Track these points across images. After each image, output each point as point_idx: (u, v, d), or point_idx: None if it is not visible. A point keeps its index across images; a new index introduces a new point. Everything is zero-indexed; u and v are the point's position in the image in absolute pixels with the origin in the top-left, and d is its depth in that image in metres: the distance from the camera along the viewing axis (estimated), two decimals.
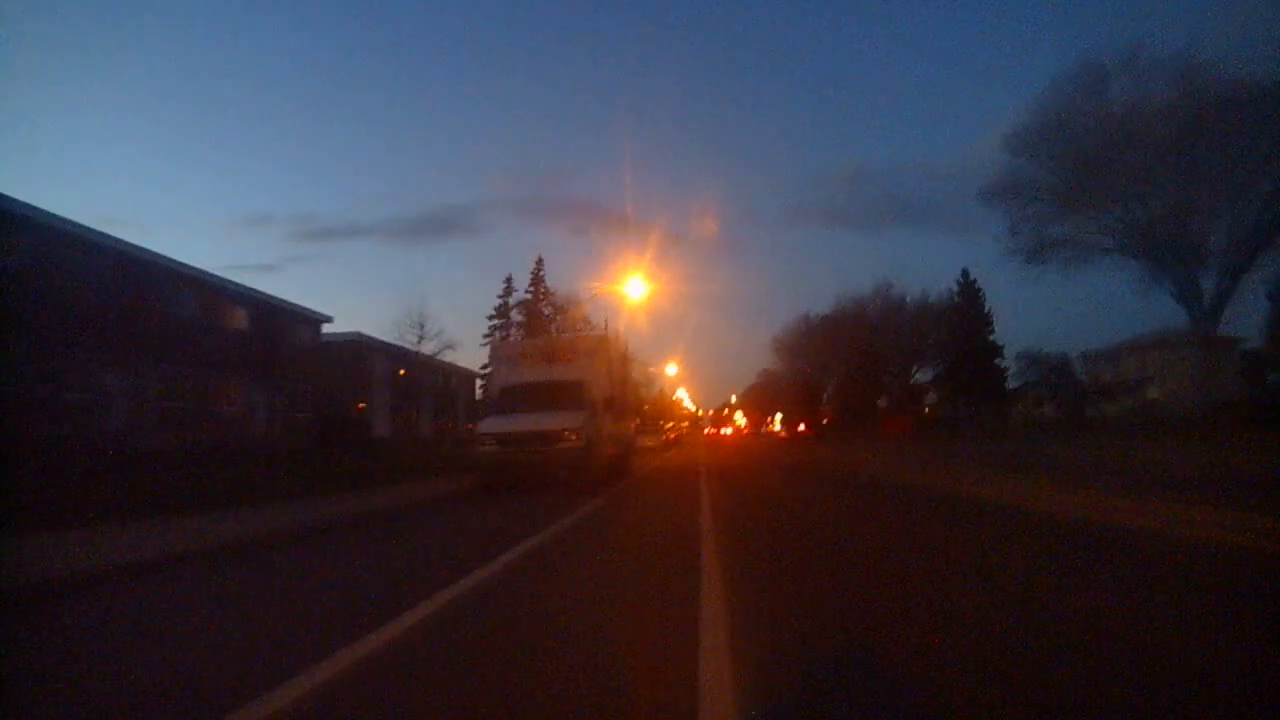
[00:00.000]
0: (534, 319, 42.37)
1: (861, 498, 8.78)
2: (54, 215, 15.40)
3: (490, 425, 10.54)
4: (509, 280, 42.17)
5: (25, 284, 14.62)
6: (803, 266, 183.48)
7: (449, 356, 33.70)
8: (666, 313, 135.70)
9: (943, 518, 6.58)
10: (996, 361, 53.23)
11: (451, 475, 13.17)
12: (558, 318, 41.13)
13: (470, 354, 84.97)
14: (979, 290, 54.12)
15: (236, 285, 21.63)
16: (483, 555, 4.87)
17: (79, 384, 16.00)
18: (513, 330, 41.23)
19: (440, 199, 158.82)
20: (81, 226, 16.05)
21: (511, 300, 42.78)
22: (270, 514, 7.80)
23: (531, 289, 43.25)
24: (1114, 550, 4.58)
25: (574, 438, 9.93)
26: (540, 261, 42.74)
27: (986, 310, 54.09)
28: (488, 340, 41.21)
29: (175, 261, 19.00)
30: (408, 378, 35.50)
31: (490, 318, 41.96)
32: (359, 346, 32.23)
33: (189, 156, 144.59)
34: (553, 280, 44.02)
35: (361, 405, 32.86)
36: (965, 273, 54.46)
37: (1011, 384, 53.49)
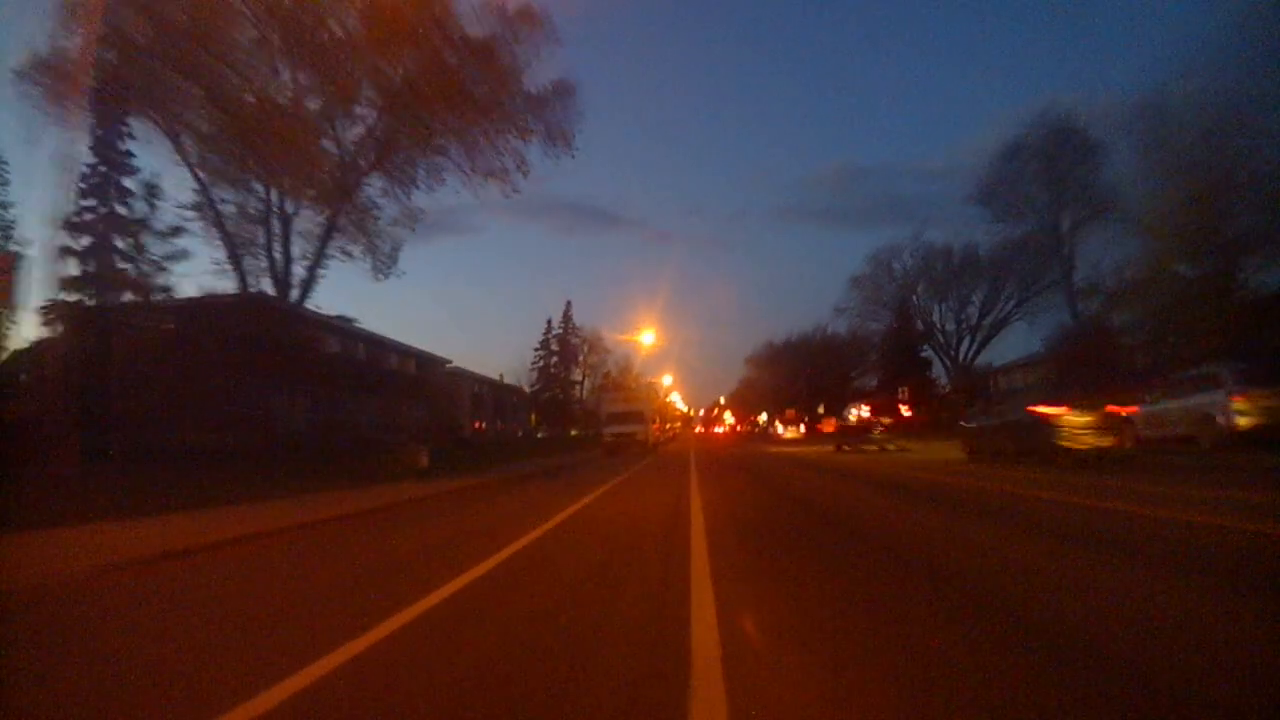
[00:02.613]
0: (566, 349, 56.99)
1: (749, 458, 23.03)
2: (363, 328, 29.61)
3: (607, 430, 25.10)
4: (550, 321, 56.67)
5: (337, 361, 28.89)
6: (794, 264, 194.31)
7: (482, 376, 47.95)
8: (659, 310, 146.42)
9: (779, 462, 20.84)
10: (927, 373, 68.09)
11: (575, 453, 27.44)
12: (585, 349, 55.84)
13: (476, 360, 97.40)
14: (910, 313, 68.97)
15: (412, 346, 35.94)
16: (617, 472, 18.77)
17: (347, 409, 30.18)
18: (553, 359, 55.91)
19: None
20: (368, 331, 30.31)
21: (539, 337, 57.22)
22: (523, 464, 21.95)
23: (563, 325, 57.59)
24: (822, 467, 18.86)
25: (641, 435, 24.37)
26: (569, 304, 57.28)
27: (919, 329, 68.82)
28: (535, 365, 55.92)
29: (388, 338, 33.32)
30: (479, 393, 49.96)
31: (535, 349, 56.49)
32: (454, 375, 46.46)
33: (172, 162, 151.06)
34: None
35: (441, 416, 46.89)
36: (905, 301, 69.46)
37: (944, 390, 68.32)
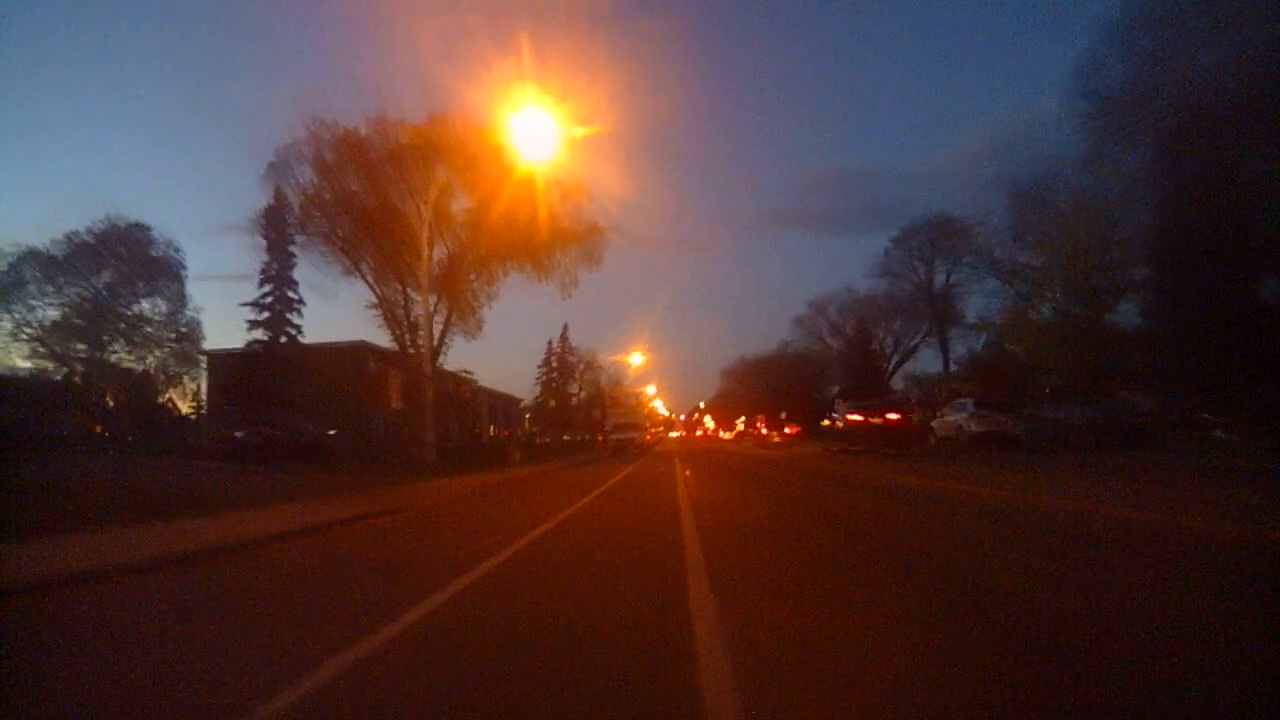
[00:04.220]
0: (564, 367, 66.45)
1: (703, 452, 32.47)
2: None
3: (612, 434, 34.53)
4: (550, 342, 66.06)
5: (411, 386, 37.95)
6: (779, 267, 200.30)
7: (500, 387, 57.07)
8: (644, 311, 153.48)
9: (718, 452, 30.24)
10: (889, 382, 78.38)
11: (585, 453, 36.72)
12: (581, 366, 65.42)
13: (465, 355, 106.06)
14: (868, 329, 79.32)
15: (463, 373, 45.07)
16: (633, 460, 28.16)
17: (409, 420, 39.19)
18: (554, 374, 65.31)
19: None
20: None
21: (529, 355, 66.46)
22: (562, 459, 31.24)
23: (561, 346, 66.94)
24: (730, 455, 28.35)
25: (638, 440, 33.82)
26: (566, 326, 66.59)
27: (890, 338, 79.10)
28: (539, 380, 65.41)
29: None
30: (492, 405, 59.18)
31: (539, 366, 65.88)
32: (477, 391, 55.57)
33: (170, 165, 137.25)
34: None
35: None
36: (861, 320, 79.79)
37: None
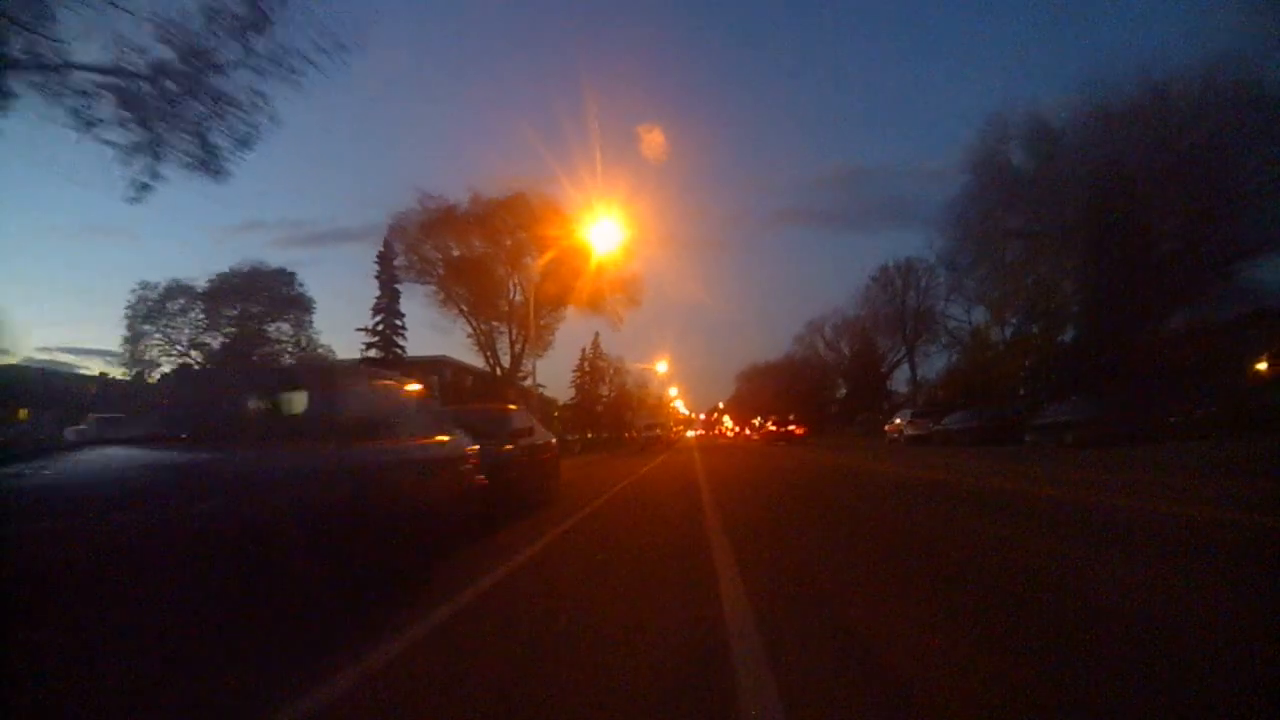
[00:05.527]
0: (595, 371, 75.07)
1: (711, 445, 40.46)
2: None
3: (642, 431, 42.91)
4: (584, 349, 74.54)
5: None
6: (794, 264, 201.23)
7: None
8: (666, 311, 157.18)
9: (719, 444, 38.18)
10: (887, 385, 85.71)
11: (620, 447, 44.89)
12: (610, 371, 73.96)
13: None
14: (872, 337, 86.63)
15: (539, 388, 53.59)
16: (662, 452, 36.25)
17: None
18: (586, 378, 73.85)
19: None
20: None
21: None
22: (603, 452, 39.36)
23: (592, 351, 75.45)
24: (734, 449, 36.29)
25: (663, 436, 42.20)
26: (597, 335, 74.98)
27: (879, 352, 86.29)
28: (573, 383, 73.92)
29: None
30: (528, 401, 67.98)
31: (573, 371, 74.42)
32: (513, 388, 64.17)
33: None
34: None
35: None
36: (861, 335, 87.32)
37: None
